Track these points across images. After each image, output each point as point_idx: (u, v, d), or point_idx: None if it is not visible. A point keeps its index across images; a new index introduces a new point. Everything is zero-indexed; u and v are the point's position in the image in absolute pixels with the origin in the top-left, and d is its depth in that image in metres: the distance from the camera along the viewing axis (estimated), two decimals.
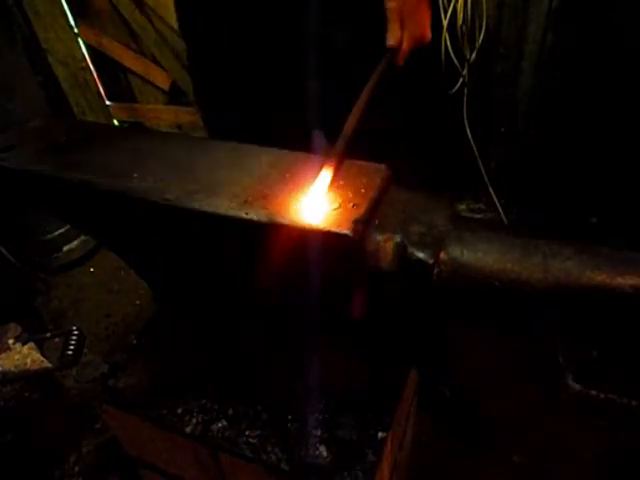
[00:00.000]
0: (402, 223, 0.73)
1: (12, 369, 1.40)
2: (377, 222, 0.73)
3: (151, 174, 0.80)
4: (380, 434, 0.95)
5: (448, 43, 2.07)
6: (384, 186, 0.77)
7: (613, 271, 0.64)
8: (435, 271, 0.69)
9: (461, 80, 2.18)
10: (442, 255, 0.70)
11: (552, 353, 1.88)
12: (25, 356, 1.43)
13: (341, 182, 0.77)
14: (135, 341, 1.16)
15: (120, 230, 0.94)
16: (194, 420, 1.01)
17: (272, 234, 0.70)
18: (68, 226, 2.38)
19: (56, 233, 2.41)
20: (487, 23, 2.06)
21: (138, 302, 2.35)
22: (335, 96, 1.22)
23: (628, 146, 1.83)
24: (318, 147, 1.44)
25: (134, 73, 2.88)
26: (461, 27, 2.05)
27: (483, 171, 2.33)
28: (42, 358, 1.46)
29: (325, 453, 0.89)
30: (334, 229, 0.67)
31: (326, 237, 0.68)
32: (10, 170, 0.86)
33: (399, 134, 1.41)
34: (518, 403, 1.72)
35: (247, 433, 0.97)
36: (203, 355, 1.05)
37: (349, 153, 0.81)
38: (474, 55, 2.12)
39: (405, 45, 1.03)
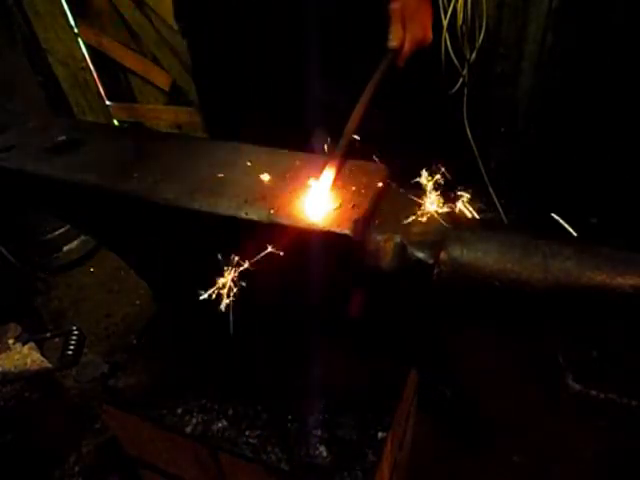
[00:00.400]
0: (402, 223, 0.73)
1: (12, 369, 1.40)
2: (377, 222, 0.73)
3: (151, 174, 0.80)
4: (380, 434, 0.95)
5: (448, 43, 2.07)
6: (384, 186, 0.77)
7: (613, 271, 0.64)
8: (435, 271, 0.69)
9: (461, 80, 2.17)
10: (442, 255, 0.70)
11: (552, 353, 1.88)
12: (25, 356, 1.43)
13: (341, 182, 0.77)
14: (135, 341, 1.16)
15: (120, 230, 0.94)
16: (194, 420, 1.01)
17: (272, 234, 0.70)
18: (68, 226, 2.38)
19: (56, 233, 2.41)
20: (487, 23, 2.06)
21: (138, 302, 2.35)
22: (336, 96, 1.22)
23: (628, 146, 1.83)
24: (318, 147, 1.44)
25: (134, 73, 2.88)
26: (461, 27, 2.05)
27: (483, 171, 2.33)
28: (42, 358, 1.45)
29: (325, 453, 0.89)
30: (334, 229, 0.67)
31: (326, 237, 0.68)
32: (10, 170, 0.86)
33: (399, 134, 1.41)
34: (518, 403, 1.72)
35: (247, 433, 0.97)
36: (203, 355, 1.05)
37: (350, 153, 0.81)
38: (474, 55, 2.12)
39: (407, 47, 1.03)
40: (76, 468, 1.66)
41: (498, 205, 2.39)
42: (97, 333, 2.19)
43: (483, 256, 0.69)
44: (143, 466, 1.25)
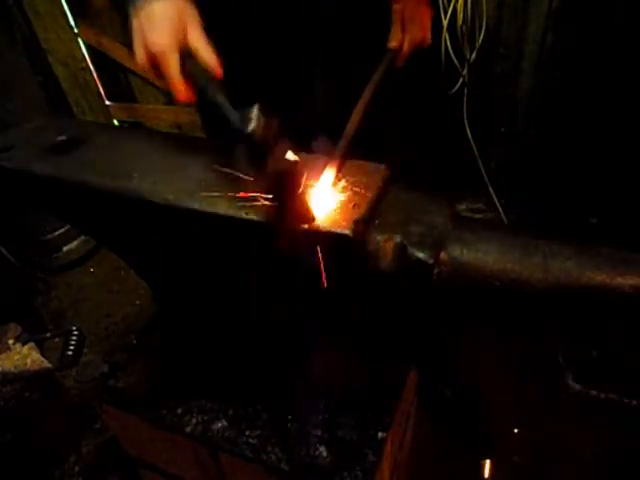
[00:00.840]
0: (402, 223, 0.73)
1: (12, 369, 1.40)
2: (377, 222, 0.73)
3: (151, 174, 0.80)
4: (380, 434, 0.95)
5: (448, 43, 2.07)
6: (384, 186, 0.77)
7: (613, 271, 0.64)
8: (435, 271, 0.69)
9: (461, 80, 2.17)
10: (442, 255, 0.70)
11: (552, 353, 1.88)
12: (25, 356, 1.43)
13: (341, 182, 0.77)
14: (135, 341, 1.16)
15: (120, 230, 0.94)
16: (194, 420, 1.01)
17: (272, 234, 0.70)
18: (68, 226, 2.38)
19: (56, 233, 2.41)
20: (487, 23, 2.06)
21: (138, 302, 2.35)
22: (335, 96, 1.22)
23: (628, 146, 1.83)
24: (318, 147, 1.43)
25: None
26: (461, 27, 2.05)
27: (483, 171, 2.33)
28: (42, 358, 1.45)
29: (325, 453, 0.89)
30: (334, 229, 0.67)
31: (326, 237, 0.68)
32: (10, 170, 0.86)
33: (399, 134, 1.41)
34: (518, 403, 1.72)
35: (247, 433, 0.97)
36: (203, 355, 1.05)
37: (350, 153, 0.81)
38: (474, 55, 2.12)
39: (405, 47, 1.04)
40: (76, 468, 1.66)
41: (498, 205, 2.39)
42: (97, 333, 2.19)
43: (483, 256, 0.69)
44: (143, 466, 1.25)
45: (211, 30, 1.27)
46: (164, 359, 1.09)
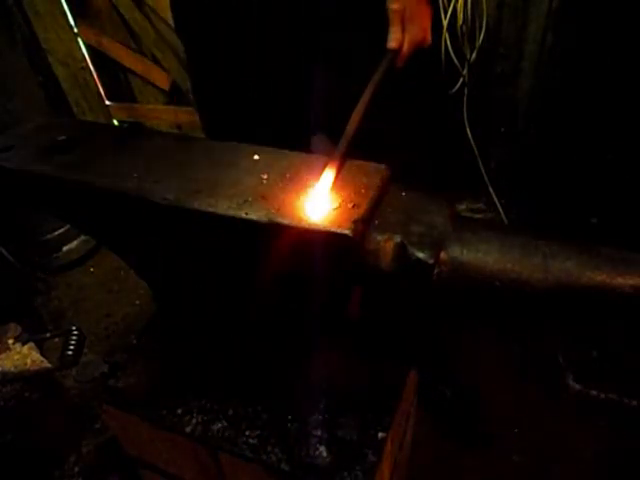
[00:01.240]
0: (402, 223, 0.73)
1: (12, 369, 1.40)
2: (377, 222, 0.73)
3: (151, 174, 0.80)
4: (380, 434, 0.95)
5: (448, 43, 2.07)
6: (384, 186, 0.77)
7: (613, 271, 0.64)
8: (435, 271, 0.69)
9: (461, 80, 2.18)
10: (442, 255, 0.70)
11: (552, 353, 1.88)
12: (25, 356, 1.43)
13: (341, 182, 0.77)
14: (135, 341, 1.16)
15: (120, 230, 0.94)
16: (194, 420, 1.01)
17: (272, 234, 0.70)
18: (68, 226, 2.38)
19: (56, 233, 2.41)
20: (487, 23, 2.06)
21: (138, 302, 2.35)
22: (335, 96, 1.22)
23: (628, 146, 1.83)
24: (318, 147, 1.44)
25: (134, 73, 2.88)
26: (461, 27, 2.05)
27: (483, 171, 2.33)
28: (42, 358, 1.46)
29: (325, 453, 0.89)
30: (334, 229, 0.67)
31: (326, 237, 0.68)
32: (10, 170, 0.86)
33: (399, 134, 1.41)
34: (518, 403, 1.73)
35: (247, 433, 0.97)
36: (203, 355, 1.05)
37: (350, 153, 0.81)
38: (474, 55, 2.12)
39: (405, 48, 1.04)
40: (76, 468, 1.66)
41: (498, 205, 2.39)
42: (97, 333, 2.19)
43: (483, 256, 0.69)
44: (143, 466, 1.25)
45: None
46: (164, 359, 1.09)
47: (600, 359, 1.84)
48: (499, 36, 2.16)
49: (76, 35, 2.74)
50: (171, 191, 0.76)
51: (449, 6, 1.98)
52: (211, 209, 0.73)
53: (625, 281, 0.63)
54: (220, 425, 0.99)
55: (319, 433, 0.90)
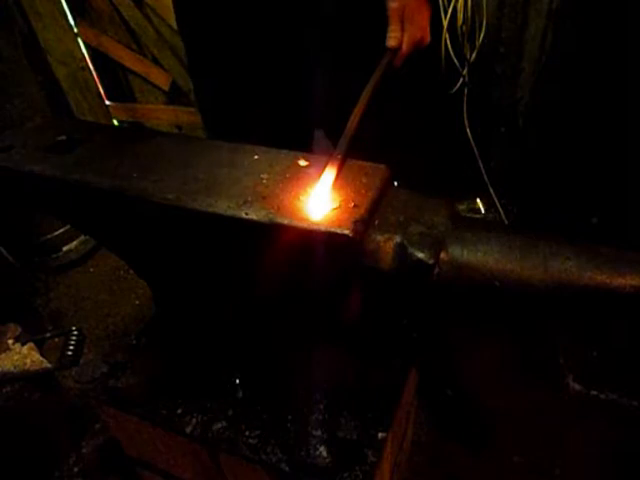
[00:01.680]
0: (402, 223, 0.73)
1: (12, 369, 1.40)
2: (377, 222, 0.73)
3: (151, 174, 0.80)
4: (380, 434, 0.95)
5: (448, 43, 2.07)
6: (384, 186, 0.77)
7: (613, 271, 0.64)
8: (435, 271, 0.69)
9: (461, 80, 2.18)
10: (442, 255, 0.70)
11: (552, 353, 1.88)
12: (25, 356, 1.43)
13: (341, 182, 0.77)
14: (135, 341, 1.16)
15: (120, 230, 0.93)
16: (194, 420, 1.01)
17: (272, 234, 0.70)
18: (68, 226, 2.38)
19: (56, 233, 2.41)
20: (487, 23, 2.06)
21: (138, 302, 2.35)
22: (334, 96, 1.22)
23: (628, 146, 1.83)
24: (318, 147, 1.44)
25: (134, 73, 2.88)
26: (461, 27, 2.05)
27: (483, 171, 2.33)
28: (42, 358, 1.45)
29: (325, 453, 0.89)
30: (334, 229, 0.67)
31: (326, 237, 0.68)
32: (10, 170, 0.86)
33: (399, 134, 1.41)
34: (518, 403, 1.72)
35: (247, 433, 0.97)
36: (203, 355, 1.05)
37: (350, 153, 0.81)
38: (474, 55, 2.12)
39: (405, 47, 1.04)
40: (76, 468, 1.66)
41: (498, 205, 2.39)
42: (97, 333, 2.19)
43: (483, 256, 0.69)
44: (143, 466, 1.25)
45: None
46: (164, 359, 1.09)
47: (600, 359, 1.84)
48: (499, 36, 2.16)
49: (76, 35, 2.74)
50: (171, 191, 0.76)
51: (449, 6, 1.98)
52: (211, 209, 0.73)
53: (625, 281, 0.63)
54: (220, 425, 0.99)
55: (319, 433, 0.90)
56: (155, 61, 2.78)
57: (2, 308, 1.70)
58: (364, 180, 0.77)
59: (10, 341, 1.46)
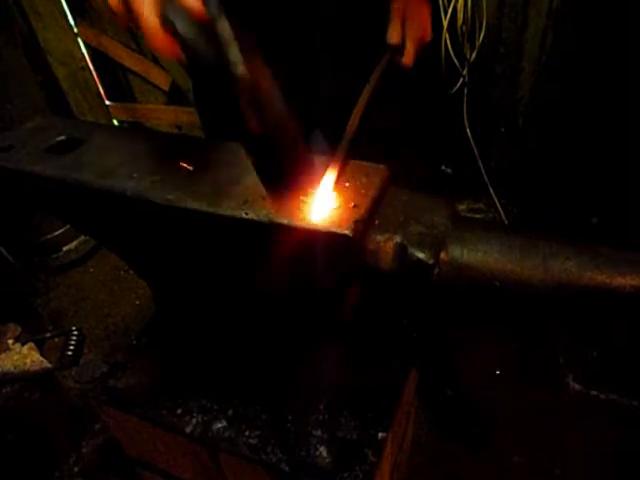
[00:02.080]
0: (402, 223, 0.73)
1: (12, 369, 1.40)
2: (377, 222, 0.73)
3: (151, 174, 0.80)
4: (380, 434, 0.95)
5: (448, 43, 2.07)
6: (384, 186, 0.77)
7: (613, 271, 0.64)
8: (435, 271, 0.69)
9: (461, 80, 2.18)
10: (442, 255, 0.70)
11: (552, 353, 1.88)
12: (25, 356, 1.43)
13: (342, 182, 0.76)
14: (135, 341, 1.16)
15: (120, 230, 0.93)
16: (194, 420, 1.01)
17: (272, 234, 0.70)
18: (68, 226, 2.38)
19: (56, 233, 2.41)
20: (487, 23, 2.06)
21: (138, 302, 2.35)
22: (332, 96, 1.22)
23: (628, 146, 1.83)
24: (316, 147, 1.44)
25: (134, 73, 2.88)
26: (461, 27, 2.05)
27: (483, 171, 2.33)
28: (42, 358, 1.45)
29: (325, 453, 0.89)
30: (334, 229, 0.67)
31: (326, 237, 0.68)
32: (9, 170, 0.86)
33: (399, 134, 1.41)
34: (518, 403, 1.72)
35: (247, 433, 0.97)
36: (203, 355, 1.05)
37: (351, 152, 0.81)
38: (474, 55, 2.12)
39: (409, 46, 1.03)
40: (76, 468, 1.66)
41: (498, 205, 2.40)
42: (97, 333, 2.19)
43: (483, 256, 0.69)
44: (143, 466, 1.25)
45: None
46: (164, 359, 1.09)
47: (600, 359, 1.84)
48: (499, 36, 2.16)
49: (76, 35, 2.74)
50: (171, 191, 0.76)
51: (449, 6, 1.98)
52: (211, 209, 0.72)
53: (625, 281, 0.63)
54: (220, 425, 0.99)
55: (319, 433, 0.90)
56: (155, 61, 2.78)
57: (2, 308, 1.70)
58: (364, 180, 0.77)
59: (10, 341, 1.46)
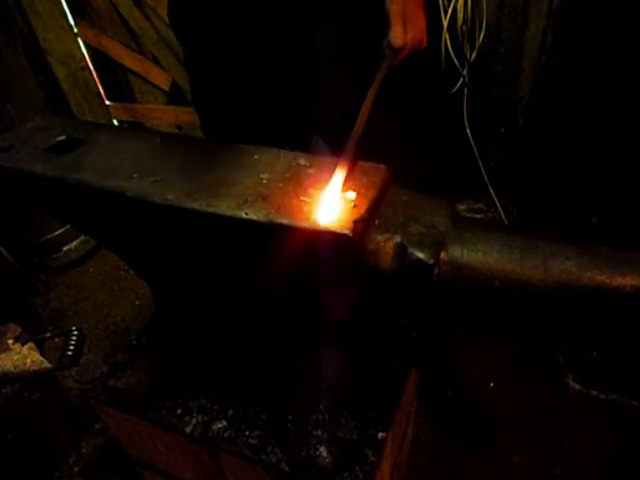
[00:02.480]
0: (402, 223, 0.73)
1: (12, 369, 1.40)
2: (377, 222, 0.73)
3: (151, 174, 0.80)
4: (380, 434, 0.95)
5: (448, 43, 2.07)
6: (384, 186, 0.77)
7: (613, 271, 0.64)
8: (435, 271, 0.69)
9: (461, 80, 2.17)
10: (442, 255, 0.70)
11: (552, 353, 1.88)
12: (25, 356, 1.43)
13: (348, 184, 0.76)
14: (135, 341, 1.16)
15: (120, 230, 0.94)
16: (194, 420, 1.01)
17: (272, 234, 0.70)
18: (68, 226, 2.38)
19: (56, 233, 2.41)
20: (487, 23, 2.06)
21: (138, 302, 2.35)
22: (332, 99, 1.22)
23: (628, 145, 1.83)
24: (315, 149, 1.44)
25: (134, 73, 2.88)
26: (461, 27, 2.05)
27: (483, 171, 2.33)
28: (42, 358, 1.45)
29: (325, 453, 0.89)
30: (334, 229, 0.67)
31: (326, 237, 0.68)
32: (10, 170, 0.86)
33: (399, 134, 1.41)
34: (518, 403, 1.72)
35: (247, 433, 0.97)
36: (203, 355, 1.05)
37: (358, 154, 0.81)
38: (474, 55, 2.12)
39: (407, 48, 1.04)
40: (76, 468, 1.66)
41: (498, 205, 2.39)
42: (97, 333, 2.19)
43: (483, 256, 0.69)
44: (143, 466, 1.25)
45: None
46: (164, 359, 1.09)
47: (600, 359, 1.84)
48: (499, 36, 2.16)
49: (76, 35, 2.74)
50: (171, 191, 0.76)
51: (449, 6, 1.98)
52: (211, 209, 0.73)
53: (625, 281, 0.63)
54: (220, 425, 0.99)
55: (319, 433, 0.90)
56: (155, 61, 2.78)
57: (2, 308, 1.70)
58: (364, 180, 0.77)
59: (10, 341, 1.46)
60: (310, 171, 0.79)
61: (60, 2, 2.60)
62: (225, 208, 0.72)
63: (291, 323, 0.92)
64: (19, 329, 1.51)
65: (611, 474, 1.56)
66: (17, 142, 0.91)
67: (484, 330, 1.79)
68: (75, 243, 2.51)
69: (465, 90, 2.19)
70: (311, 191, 0.75)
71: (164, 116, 2.94)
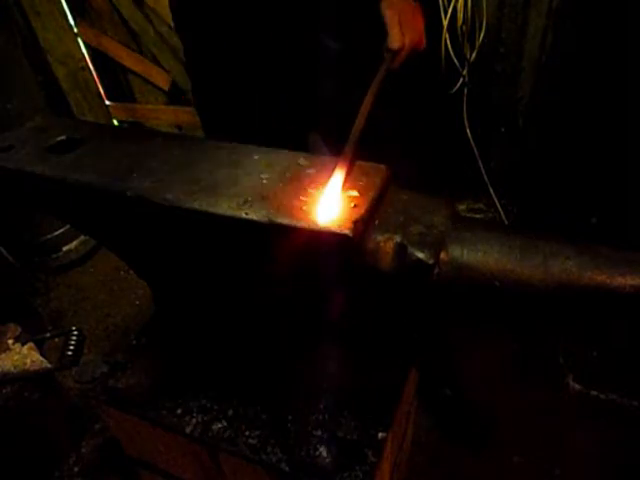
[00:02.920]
0: (402, 223, 0.73)
1: (12, 369, 1.40)
2: (377, 222, 0.73)
3: (151, 174, 0.80)
4: (380, 434, 0.95)
5: (448, 43, 2.07)
6: (384, 186, 0.77)
7: (613, 271, 0.64)
8: (435, 271, 0.69)
9: (461, 80, 2.18)
10: (442, 255, 0.70)
11: (552, 353, 1.88)
12: (25, 356, 1.43)
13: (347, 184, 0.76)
14: (135, 341, 1.16)
15: (120, 230, 0.94)
16: (194, 420, 1.01)
17: (272, 234, 0.70)
18: (68, 226, 2.38)
19: (56, 233, 2.41)
20: (487, 23, 2.06)
21: (138, 302, 2.35)
22: (331, 99, 1.22)
23: (628, 145, 1.83)
24: (315, 149, 1.44)
25: (134, 73, 2.88)
26: (461, 27, 2.05)
27: (483, 171, 2.33)
28: (42, 358, 1.45)
29: (325, 453, 0.89)
30: (334, 229, 0.67)
31: (326, 237, 0.68)
32: (10, 170, 0.86)
33: (399, 134, 1.41)
34: (518, 403, 1.72)
35: (247, 433, 0.97)
36: (203, 355, 1.05)
37: (357, 154, 0.81)
38: (474, 55, 2.12)
39: (404, 50, 1.05)
40: (76, 468, 1.66)
41: (498, 205, 2.39)
42: (97, 333, 2.19)
43: (483, 256, 0.69)
44: (143, 466, 1.25)
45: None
46: (164, 359, 1.09)
47: (600, 359, 1.84)
48: (499, 36, 2.16)
49: (76, 35, 2.74)
50: (171, 191, 0.76)
51: (449, 6, 1.98)
52: (211, 209, 0.73)
53: (625, 281, 0.63)
54: (220, 425, 0.99)
55: (319, 433, 0.90)
56: (155, 61, 2.79)
57: (2, 308, 1.70)
58: (364, 180, 0.77)
59: (10, 341, 1.46)
60: (310, 171, 0.79)
61: (60, 2, 2.60)
62: (225, 208, 0.72)
63: (291, 323, 0.92)
64: (19, 329, 1.51)
65: (611, 474, 1.56)
66: (17, 142, 0.91)
67: (484, 330, 1.79)
68: (75, 243, 2.51)
69: (465, 90, 2.19)
70: (311, 191, 0.75)
71: (164, 116, 2.94)
